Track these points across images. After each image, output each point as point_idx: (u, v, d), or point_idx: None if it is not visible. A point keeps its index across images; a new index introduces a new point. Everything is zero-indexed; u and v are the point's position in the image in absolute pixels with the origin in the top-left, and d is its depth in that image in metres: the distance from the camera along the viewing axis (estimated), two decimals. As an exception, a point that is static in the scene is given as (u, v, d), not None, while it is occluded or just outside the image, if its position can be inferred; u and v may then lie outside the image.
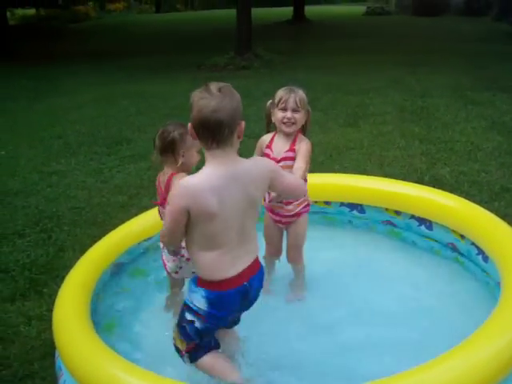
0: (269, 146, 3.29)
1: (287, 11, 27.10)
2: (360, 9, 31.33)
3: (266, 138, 3.34)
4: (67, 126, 8.33)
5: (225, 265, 2.37)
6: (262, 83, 10.85)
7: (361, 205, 4.06)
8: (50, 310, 3.08)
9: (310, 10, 27.72)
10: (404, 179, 4.91)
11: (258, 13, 18.61)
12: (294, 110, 3.16)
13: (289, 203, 3.29)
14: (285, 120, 3.17)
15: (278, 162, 3.19)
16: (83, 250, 3.83)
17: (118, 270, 3.49)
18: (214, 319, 2.45)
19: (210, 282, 2.39)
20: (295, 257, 3.45)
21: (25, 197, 5.56)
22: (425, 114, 7.95)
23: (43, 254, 4.31)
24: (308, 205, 3.36)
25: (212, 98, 2.22)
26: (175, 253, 2.89)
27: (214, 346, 2.58)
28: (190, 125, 2.31)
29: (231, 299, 2.42)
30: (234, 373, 2.53)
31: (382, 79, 10.64)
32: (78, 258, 3.50)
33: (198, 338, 2.49)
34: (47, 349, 3.15)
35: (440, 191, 3.94)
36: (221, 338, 2.65)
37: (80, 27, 28.94)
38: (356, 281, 3.49)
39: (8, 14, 23.89)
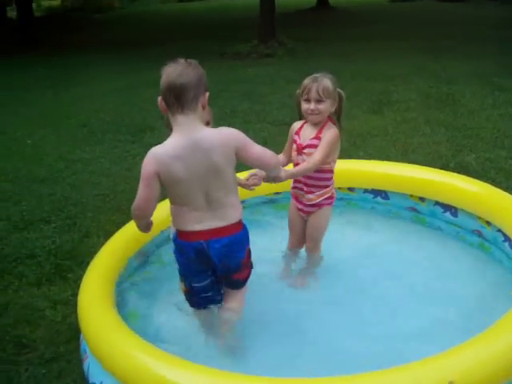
0: (297, 133, 3.27)
1: (311, -2, 26.84)
2: (385, -5, 30.84)
3: (297, 124, 3.32)
4: (91, 115, 8.40)
5: (188, 220, 2.58)
6: (285, 71, 10.80)
7: (385, 191, 4.02)
8: (75, 295, 3.13)
9: (333, -4, 27.38)
10: (429, 166, 4.86)
11: (282, 0, 18.43)
12: (318, 101, 3.09)
13: (310, 192, 3.26)
14: (309, 111, 3.14)
15: (303, 148, 3.18)
16: (107, 236, 3.87)
17: (142, 257, 3.50)
18: (179, 264, 2.71)
19: (178, 230, 2.66)
20: (311, 247, 3.44)
21: (51, 184, 5.63)
22: (450, 101, 7.82)
23: (68, 240, 4.36)
24: (331, 197, 3.31)
25: (177, 65, 2.47)
26: (147, 228, 2.81)
27: (202, 303, 2.81)
28: (159, 98, 2.50)
29: (186, 250, 2.63)
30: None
31: (407, 66, 10.50)
32: (102, 245, 3.53)
33: (184, 281, 2.75)
34: (72, 333, 3.19)
35: (465, 177, 3.87)
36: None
37: (104, 17, 29.03)
38: (376, 269, 3.44)
39: (34, 5, 24.12)
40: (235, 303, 2.81)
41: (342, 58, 11.80)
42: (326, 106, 3.11)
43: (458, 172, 4.55)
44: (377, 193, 4.05)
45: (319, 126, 3.17)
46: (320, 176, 3.20)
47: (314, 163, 3.08)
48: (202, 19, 23.52)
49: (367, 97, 8.27)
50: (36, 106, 9.46)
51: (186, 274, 2.74)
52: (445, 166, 5.17)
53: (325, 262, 3.48)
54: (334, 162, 3.24)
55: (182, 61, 2.49)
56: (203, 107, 2.51)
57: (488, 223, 3.48)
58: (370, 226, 3.98)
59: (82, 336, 2.84)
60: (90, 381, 2.62)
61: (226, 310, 2.80)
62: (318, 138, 3.15)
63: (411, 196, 3.91)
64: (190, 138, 2.45)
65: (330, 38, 15.60)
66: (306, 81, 3.15)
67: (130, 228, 3.53)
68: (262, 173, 2.97)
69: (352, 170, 4.13)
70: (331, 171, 3.25)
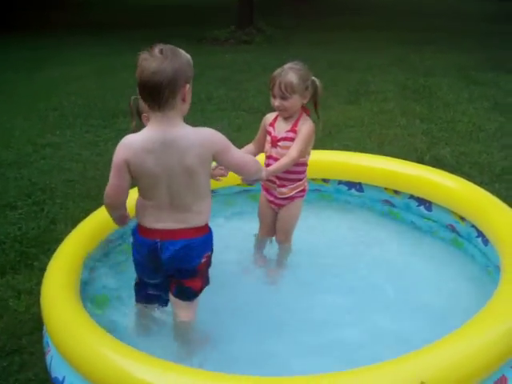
0: (272, 124, 3.18)
1: (291, -14, 26.66)
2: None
3: (270, 115, 3.23)
4: (64, 98, 8.18)
5: (149, 216, 2.50)
6: (263, 58, 10.67)
7: (359, 183, 3.98)
8: (40, 284, 3.02)
9: (314, -16, 27.24)
10: (404, 158, 4.84)
11: (261, -14, 18.26)
12: (282, 97, 3.00)
13: (282, 186, 3.18)
14: (275, 107, 3.06)
15: (278, 140, 3.11)
16: (75, 223, 3.74)
17: (108, 245, 3.40)
18: (133, 257, 2.65)
19: (138, 223, 2.59)
20: (282, 239, 3.37)
21: (18, 168, 5.46)
22: (427, 93, 7.83)
23: (35, 227, 4.23)
24: (303, 190, 3.24)
25: (153, 59, 2.27)
26: (122, 221, 2.72)
27: (148, 298, 2.75)
28: (137, 86, 2.36)
29: (140, 245, 2.57)
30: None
31: (386, 57, 10.46)
32: (69, 232, 3.42)
33: (136, 273, 2.70)
34: (35, 324, 3.08)
35: (441, 171, 3.85)
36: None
37: (81, -2, 28.49)
38: (350, 262, 3.41)
39: (7, -18, 23.47)
40: (188, 314, 2.66)
41: (321, 47, 11.72)
42: (292, 102, 3.01)
43: (433, 165, 4.55)
44: (351, 185, 4.00)
45: (294, 118, 3.09)
46: (293, 169, 3.12)
47: (292, 159, 2.99)
48: (180, 2, 23.19)
49: (344, 87, 8.22)
50: (8, 88, 9.17)
51: (137, 268, 2.69)
52: (420, 159, 5.17)
53: (295, 251, 3.43)
54: (309, 154, 3.17)
55: (157, 53, 2.27)
56: (183, 100, 2.36)
57: (462, 219, 3.47)
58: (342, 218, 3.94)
59: (45, 328, 2.74)
60: (53, 375, 2.52)
61: (180, 323, 2.68)
62: (293, 130, 3.07)
63: (386, 189, 3.88)
64: (165, 134, 2.34)
65: (310, 26, 15.50)
66: (274, 73, 3.04)
67: (98, 215, 3.44)
68: None
69: (327, 161, 4.06)
70: (305, 164, 3.18)
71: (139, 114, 2.99)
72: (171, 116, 2.34)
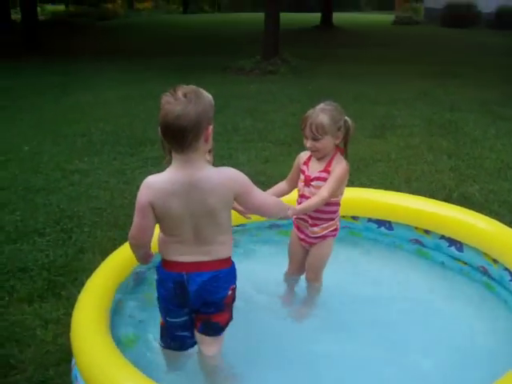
0: (306, 163, 3.17)
1: (315, 17, 27.00)
2: (388, 17, 31.10)
3: (304, 154, 3.21)
4: (92, 124, 8.30)
5: (173, 250, 2.50)
6: (288, 89, 10.77)
7: (389, 221, 3.94)
8: (68, 314, 3.03)
9: (337, 16, 27.57)
10: (432, 195, 4.81)
11: (286, 17, 18.48)
12: (314, 139, 2.99)
13: (314, 225, 3.16)
14: (307, 148, 3.06)
15: (311, 180, 3.10)
16: (103, 252, 3.78)
17: (138, 277, 3.40)
18: (158, 293, 2.62)
19: (162, 258, 2.59)
20: (312, 278, 3.33)
21: (46, 194, 5.51)
22: (453, 128, 7.80)
23: (62, 255, 4.24)
24: (336, 229, 3.22)
25: (176, 103, 2.25)
26: (145, 259, 2.71)
27: (174, 342, 2.70)
28: (159, 128, 2.34)
29: (166, 280, 2.55)
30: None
31: (410, 90, 10.50)
32: (97, 261, 3.44)
33: (161, 313, 2.67)
34: (63, 354, 3.07)
35: (473, 212, 3.79)
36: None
37: (108, 25, 29.12)
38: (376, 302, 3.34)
39: (38, 9, 24.11)
40: (214, 349, 2.66)
41: (346, 79, 11.79)
42: (324, 143, 3.00)
43: (462, 203, 4.52)
44: (381, 223, 3.97)
45: (328, 158, 3.08)
46: (326, 209, 3.10)
47: (322, 199, 2.97)
48: (207, 32, 23.57)
49: (370, 120, 8.22)
50: (36, 112, 9.36)
51: (162, 306, 2.65)
52: (448, 197, 5.13)
53: (325, 291, 3.39)
54: (342, 194, 3.15)
55: (180, 96, 2.25)
56: (206, 141, 2.36)
57: (495, 261, 3.41)
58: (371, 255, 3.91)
59: (73, 361, 2.72)
60: (81, 409, 2.51)
61: (206, 357, 2.67)
62: (326, 171, 3.06)
63: (416, 228, 3.83)
64: (188, 177, 2.35)
65: (333, 58, 15.64)
66: (306, 114, 3.03)
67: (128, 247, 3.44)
68: None
69: (356, 199, 4.04)
70: (338, 204, 3.16)
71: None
72: (194, 158, 2.35)
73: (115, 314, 3.01)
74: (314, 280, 3.33)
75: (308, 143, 3.03)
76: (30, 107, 9.70)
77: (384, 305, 3.29)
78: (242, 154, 6.60)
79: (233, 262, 2.61)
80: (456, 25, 24.88)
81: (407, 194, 4.18)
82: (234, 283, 2.61)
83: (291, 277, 3.46)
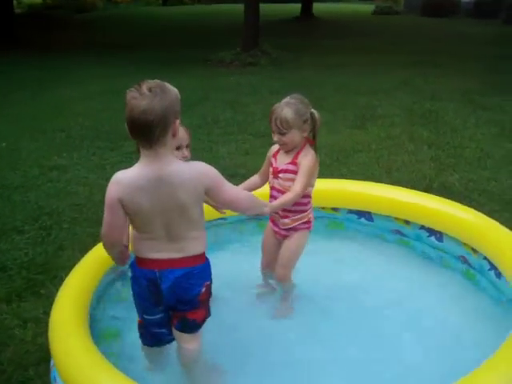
0: (274, 156, 3.16)
1: (295, 8, 26.94)
2: (368, 7, 31.16)
3: (275, 147, 3.19)
4: (71, 119, 8.21)
5: (146, 247, 2.47)
6: (269, 81, 10.73)
7: (369, 212, 3.95)
8: (47, 313, 2.98)
9: (317, 7, 27.58)
10: (413, 186, 4.82)
11: (266, 9, 18.43)
12: (280, 133, 2.97)
13: (285, 217, 3.13)
14: (275, 142, 3.04)
15: (279, 172, 3.08)
16: (83, 249, 3.73)
17: (118, 274, 3.36)
18: (132, 291, 2.59)
19: (135, 256, 2.56)
20: (280, 274, 3.23)
21: (25, 191, 5.44)
22: (433, 118, 7.84)
23: (42, 253, 4.19)
24: (308, 222, 3.18)
25: (142, 98, 2.21)
26: (122, 260, 2.64)
27: (153, 339, 2.68)
28: (126, 124, 2.30)
29: (139, 277, 2.52)
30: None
31: (391, 80, 10.52)
32: (77, 258, 3.39)
33: (137, 311, 2.63)
34: (43, 354, 3.04)
35: (453, 202, 3.80)
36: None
37: (87, 17, 28.76)
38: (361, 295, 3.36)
39: (14, 2, 23.72)
40: (192, 346, 2.63)
41: (326, 70, 11.79)
42: (290, 137, 2.97)
43: (442, 193, 4.54)
44: (361, 214, 3.97)
45: (296, 150, 3.05)
46: (297, 201, 3.05)
47: (296, 194, 2.95)
48: (187, 24, 23.43)
49: (351, 111, 8.24)
50: (13, 108, 9.24)
51: (138, 303, 2.61)
52: (428, 187, 5.15)
53: (299, 288, 3.35)
54: (312, 186, 3.12)
55: (146, 90, 2.21)
56: (173, 135, 2.33)
57: (474, 250, 3.43)
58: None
59: (52, 362, 2.69)
60: (60, 410, 2.48)
61: (186, 350, 2.64)
62: (293, 163, 3.03)
63: (396, 219, 3.84)
64: (157, 171, 2.31)
65: (314, 48, 15.62)
66: (273, 107, 3.00)
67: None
68: None
69: (337, 190, 4.04)
70: (309, 196, 3.13)
71: None
72: (162, 153, 2.31)
73: (95, 310, 2.99)
74: (283, 278, 3.24)
75: (275, 137, 3.01)
76: (7, 103, 9.56)
77: (366, 293, 3.33)
78: (222, 147, 6.57)
79: (207, 259, 2.57)
80: (436, 14, 25.04)
81: (387, 185, 4.18)
82: (209, 280, 2.57)
83: (264, 271, 3.41)
